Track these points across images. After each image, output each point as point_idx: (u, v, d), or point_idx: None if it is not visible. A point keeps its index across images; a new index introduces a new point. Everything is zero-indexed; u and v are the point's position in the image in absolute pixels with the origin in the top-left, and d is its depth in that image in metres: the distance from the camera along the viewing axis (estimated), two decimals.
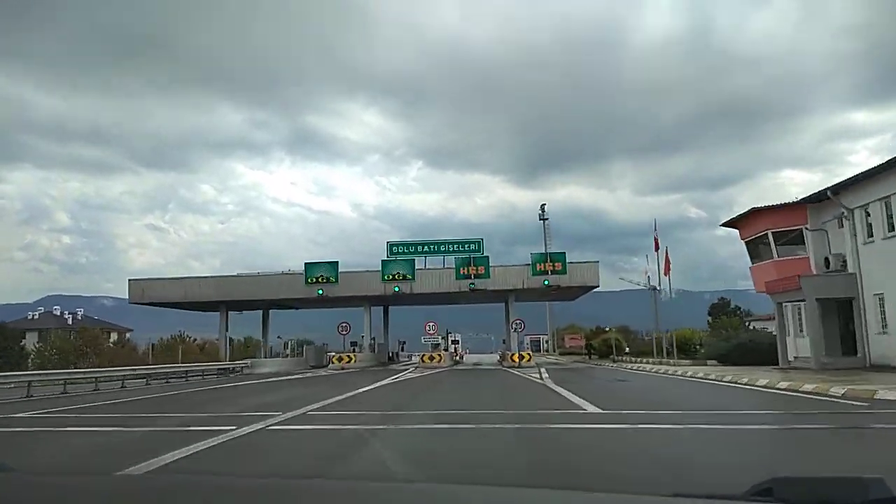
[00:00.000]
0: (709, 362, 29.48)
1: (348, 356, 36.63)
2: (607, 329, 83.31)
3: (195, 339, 57.56)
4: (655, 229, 37.49)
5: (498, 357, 65.28)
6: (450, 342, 69.15)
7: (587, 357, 52.93)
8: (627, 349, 44.75)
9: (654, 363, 32.63)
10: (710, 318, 61.54)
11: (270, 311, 47.61)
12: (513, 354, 36.10)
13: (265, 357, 44.87)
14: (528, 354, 36.62)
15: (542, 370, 28.95)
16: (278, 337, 51.48)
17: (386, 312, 52.09)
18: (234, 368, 33.86)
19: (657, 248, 37.36)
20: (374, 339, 49.26)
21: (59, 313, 69.74)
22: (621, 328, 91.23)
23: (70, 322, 64.71)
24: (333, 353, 36.84)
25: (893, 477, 1.21)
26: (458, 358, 62.48)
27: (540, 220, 65.77)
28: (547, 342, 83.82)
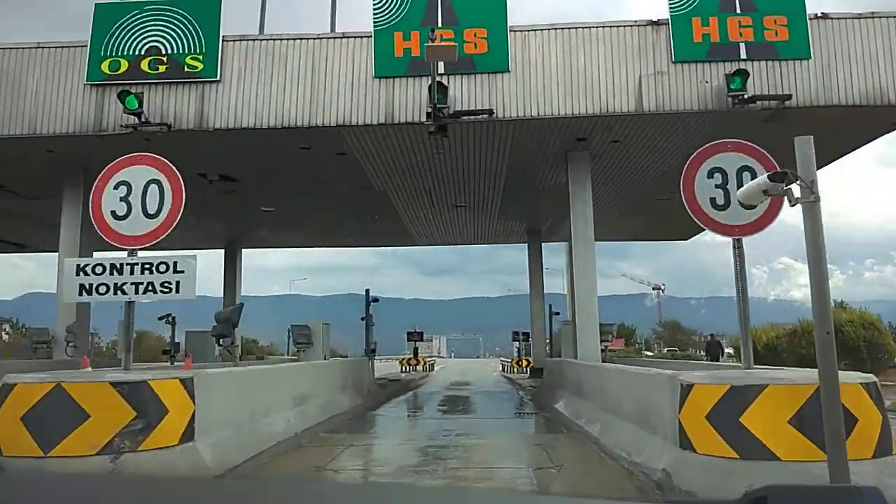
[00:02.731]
0: None
1: None
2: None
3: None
4: None
5: (500, 367, 38.24)
6: (412, 345, 39.99)
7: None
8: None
9: None
10: None
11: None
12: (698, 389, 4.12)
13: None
14: None
15: None
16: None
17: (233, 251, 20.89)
18: None
19: None
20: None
21: None
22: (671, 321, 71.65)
23: None
24: None
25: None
26: (423, 367, 33.48)
27: None
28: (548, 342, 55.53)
